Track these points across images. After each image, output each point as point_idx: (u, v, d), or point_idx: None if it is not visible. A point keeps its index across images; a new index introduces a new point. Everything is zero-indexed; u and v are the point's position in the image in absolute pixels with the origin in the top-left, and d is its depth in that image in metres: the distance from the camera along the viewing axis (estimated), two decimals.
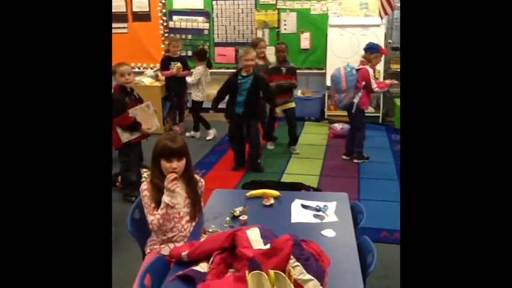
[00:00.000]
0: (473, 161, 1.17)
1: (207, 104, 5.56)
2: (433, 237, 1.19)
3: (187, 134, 6.23)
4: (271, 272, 1.54)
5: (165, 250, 2.30)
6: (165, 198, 2.21)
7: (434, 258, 1.19)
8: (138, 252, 2.45)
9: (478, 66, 1.19)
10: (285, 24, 7.05)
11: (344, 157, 5.21)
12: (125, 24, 7.36)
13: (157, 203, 2.26)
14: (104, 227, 1.28)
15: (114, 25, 7.34)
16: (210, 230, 2.17)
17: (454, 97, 1.21)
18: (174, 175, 2.21)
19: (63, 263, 1.18)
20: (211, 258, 1.84)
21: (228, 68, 7.23)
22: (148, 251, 2.39)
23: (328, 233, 2.16)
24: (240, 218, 2.29)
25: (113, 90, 4.11)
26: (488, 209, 1.13)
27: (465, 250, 1.15)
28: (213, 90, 7.31)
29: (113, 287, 2.87)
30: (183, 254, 1.90)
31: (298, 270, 1.58)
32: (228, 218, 2.29)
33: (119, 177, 4.40)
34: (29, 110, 1.17)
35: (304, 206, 2.46)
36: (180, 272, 1.81)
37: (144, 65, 7.27)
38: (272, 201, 2.51)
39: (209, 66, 6.09)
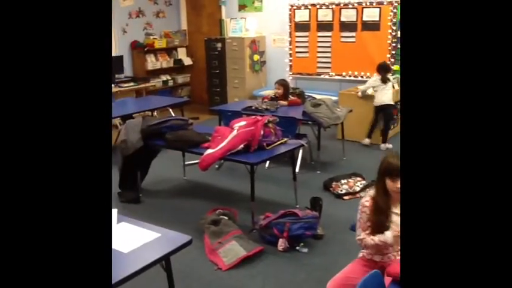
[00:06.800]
0: (475, 164, 1.14)
1: None
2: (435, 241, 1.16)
3: (382, 145, 6.09)
4: None
5: (377, 257, 2.29)
6: (388, 238, 2.13)
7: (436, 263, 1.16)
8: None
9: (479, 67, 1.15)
10: None
11: None
12: (353, 34, 7.50)
13: (374, 223, 2.20)
14: (104, 226, 1.25)
15: (343, 34, 7.56)
16: None
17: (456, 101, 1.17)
18: None
19: (62, 262, 1.17)
20: None
21: None
22: (360, 255, 2.38)
23: None
24: None
25: None
26: (489, 211, 1.12)
27: (466, 254, 1.12)
28: None
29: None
30: None
31: None
32: None
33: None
34: (29, 110, 1.18)
35: None
36: None
37: (368, 74, 7.30)
38: None
39: (384, 81, 5.98)
